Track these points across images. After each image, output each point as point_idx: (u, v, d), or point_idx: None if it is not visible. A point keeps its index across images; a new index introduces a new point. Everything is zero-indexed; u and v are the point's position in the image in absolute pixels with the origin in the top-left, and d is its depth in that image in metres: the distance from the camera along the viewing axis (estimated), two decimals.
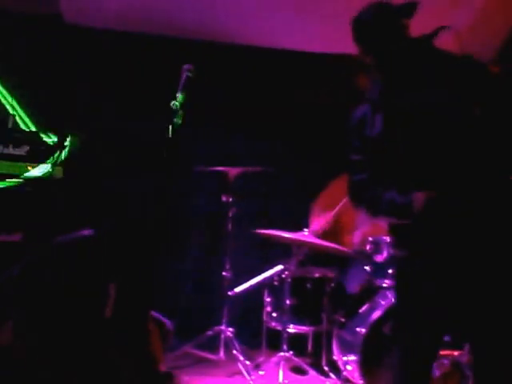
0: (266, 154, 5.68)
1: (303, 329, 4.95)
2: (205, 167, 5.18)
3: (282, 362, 4.76)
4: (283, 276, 4.90)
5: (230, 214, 5.19)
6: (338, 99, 5.79)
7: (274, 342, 4.97)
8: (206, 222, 5.71)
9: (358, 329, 4.50)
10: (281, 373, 4.73)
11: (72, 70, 5.35)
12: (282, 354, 4.78)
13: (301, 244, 4.94)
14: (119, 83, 5.50)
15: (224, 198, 5.19)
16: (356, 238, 5.44)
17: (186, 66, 3.27)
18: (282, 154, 5.84)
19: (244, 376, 4.78)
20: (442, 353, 4.33)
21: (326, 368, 4.93)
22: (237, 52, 5.64)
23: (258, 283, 4.99)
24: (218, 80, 5.36)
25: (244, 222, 5.33)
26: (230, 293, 5.03)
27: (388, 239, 4.84)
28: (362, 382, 4.45)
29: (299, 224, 5.07)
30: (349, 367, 4.57)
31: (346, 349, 4.65)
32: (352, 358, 4.52)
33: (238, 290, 5.01)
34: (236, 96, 5.69)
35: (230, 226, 5.20)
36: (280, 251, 5.23)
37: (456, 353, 4.37)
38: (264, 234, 4.99)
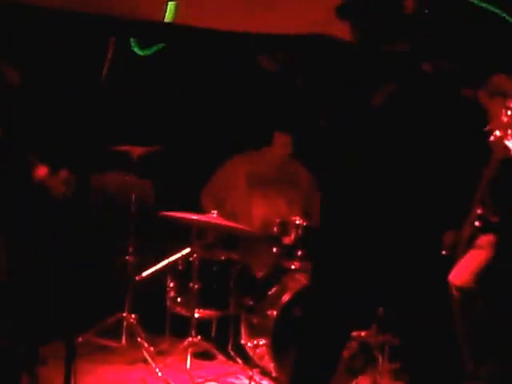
0: (171, 134, 5.53)
1: (209, 313, 4.85)
2: (107, 147, 4.96)
3: (190, 348, 4.62)
4: (190, 259, 4.77)
5: (134, 196, 5.00)
6: (241, 78, 5.79)
7: (179, 327, 4.83)
8: (108, 204, 5.47)
9: (268, 312, 4.44)
10: (188, 359, 4.59)
11: None
12: (189, 339, 4.63)
13: (208, 226, 4.83)
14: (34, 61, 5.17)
15: (127, 179, 4.99)
16: (257, 219, 5.39)
17: (112, 40, 3.10)
18: (188, 134, 5.70)
19: (148, 363, 4.61)
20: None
21: (231, 353, 4.85)
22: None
23: (165, 267, 4.83)
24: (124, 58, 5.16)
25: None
26: (137, 277, 4.84)
27: (296, 221, 4.83)
28: (272, 365, 4.41)
29: None
30: (258, 351, 4.51)
31: (256, 332, 4.59)
32: (262, 341, 4.46)
33: (144, 274, 4.83)
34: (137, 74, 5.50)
35: (133, 208, 5.01)
36: (188, 233, 5.08)
37: (363, 334, 4.43)
38: (170, 215, 4.83)
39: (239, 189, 5.35)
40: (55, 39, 5.12)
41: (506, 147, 4.16)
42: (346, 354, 4.36)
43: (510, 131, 4.16)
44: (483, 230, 4.42)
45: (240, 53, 5.63)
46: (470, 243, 4.44)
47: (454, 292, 4.36)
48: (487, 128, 4.37)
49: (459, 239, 4.54)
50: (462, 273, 4.37)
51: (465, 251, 4.44)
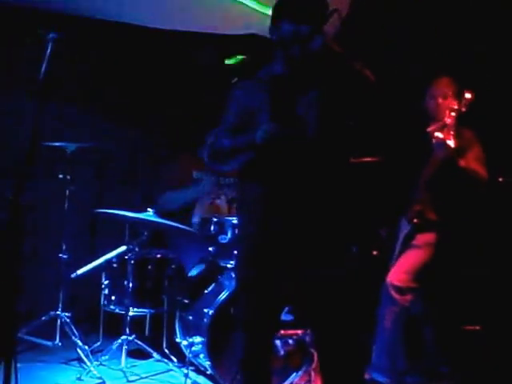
0: (106, 130, 5.48)
1: (144, 312, 4.84)
2: (40, 142, 4.87)
3: (124, 346, 4.61)
4: (126, 257, 4.74)
5: (68, 193, 4.92)
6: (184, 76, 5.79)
7: (113, 326, 4.81)
8: (40, 201, 5.36)
9: (205, 310, 4.44)
10: (123, 357, 4.59)
11: None
12: (123, 337, 4.61)
13: (143, 224, 4.79)
14: None
15: (60, 176, 4.91)
16: (195, 218, 5.38)
17: (51, 36, 3.04)
18: (122, 131, 5.66)
19: (83, 362, 4.57)
20: (286, 332, 4.43)
21: (166, 351, 4.85)
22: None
23: (101, 265, 4.79)
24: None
25: (83, 201, 5.09)
26: (71, 275, 4.78)
27: (232, 220, 4.84)
28: (208, 362, 4.42)
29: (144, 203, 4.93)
30: (194, 349, 4.51)
31: (191, 330, 4.58)
32: (198, 339, 4.47)
33: (80, 272, 4.78)
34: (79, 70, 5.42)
35: (66, 205, 4.93)
36: (122, 232, 5.04)
37: (300, 332, 4.48)
38: (104, 213, 4.77)
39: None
40: None
41: (448, 147, 4.28)
42: (283, 351, 4.44)
43: (451, 131, 4.30)
44: (420, 227, 4.56)
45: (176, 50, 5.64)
46: (407, 242, 4.55)
47: (391, 291, 4.46)
48: (429, 129, 4.49)
49: (396, 236, 4.65)
50: (398, 272, 4.46)
51: (402, 250, 4.55)
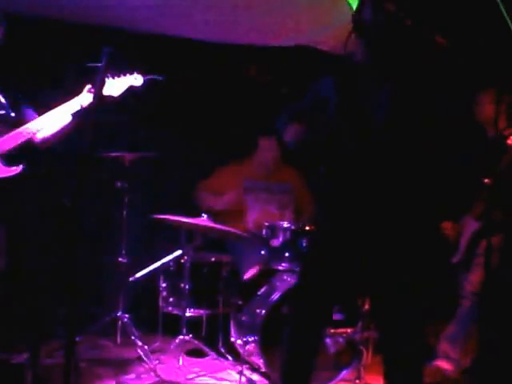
0: (161, 141, 5.70)
1: (200, 312, 5.05)
2: (99, 153, 5.12)
3: (182, 346, 4.81)
4: (182, 261, 4.95)
5: (126, 200, 5.17)
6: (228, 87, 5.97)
7: (171, 326, 5.01)
8: (100, 209, 5.62)
9: (257, 310, 4.62)
10: (181, 356, 4.77)
11: None
12: (181, 337, 4.81)
13: (198, 229, 4.99)
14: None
15: (119, 184, 5.16)
16: (249, 223, 5.55)
17: (106, 50, 3.20)
18: (177, 141, 5.88)
19: (143, 362, 4.79)
20: (336, 331, 4.56)
21: (222, 350, 5.04)
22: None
23: (158, 268, 5.01)
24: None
25: (141, 208, 5.33)
26: (130, 278, 5.03)
27: (283, 224, 5.00)
28: (261, 360, 4.57)
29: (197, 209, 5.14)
30: (248, 347, 4.68)
31: (245, 330, 4.75)
32: (251, 338, 4.63)
33: (138, 275, 5.02)
34: None
35: (125, 212, 5.18)
36: (178, 236, 5.25)
37: (350, 330, 4.60)
38: (161, 219, 4.99)
39: (236, 192, 5.54)
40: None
41: None
42: (333, 349, 4.57)
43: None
44: (487, 231, 4.51)
45: (228, 63, 5.81)
46: (475, 240, 4.62)
47: (473, 299, 4.59)
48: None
49: (461, 233, 4.73)
50: (478, 282, 4.57)
51: (472, 250, 4.64)
